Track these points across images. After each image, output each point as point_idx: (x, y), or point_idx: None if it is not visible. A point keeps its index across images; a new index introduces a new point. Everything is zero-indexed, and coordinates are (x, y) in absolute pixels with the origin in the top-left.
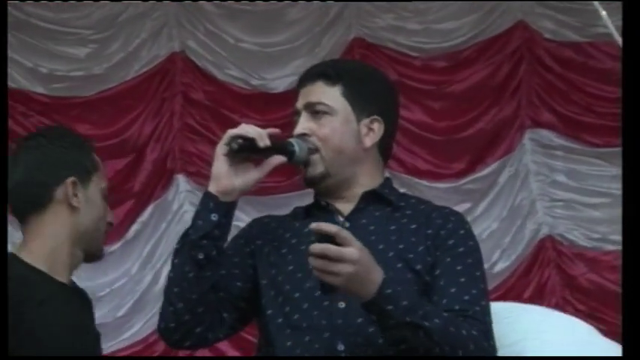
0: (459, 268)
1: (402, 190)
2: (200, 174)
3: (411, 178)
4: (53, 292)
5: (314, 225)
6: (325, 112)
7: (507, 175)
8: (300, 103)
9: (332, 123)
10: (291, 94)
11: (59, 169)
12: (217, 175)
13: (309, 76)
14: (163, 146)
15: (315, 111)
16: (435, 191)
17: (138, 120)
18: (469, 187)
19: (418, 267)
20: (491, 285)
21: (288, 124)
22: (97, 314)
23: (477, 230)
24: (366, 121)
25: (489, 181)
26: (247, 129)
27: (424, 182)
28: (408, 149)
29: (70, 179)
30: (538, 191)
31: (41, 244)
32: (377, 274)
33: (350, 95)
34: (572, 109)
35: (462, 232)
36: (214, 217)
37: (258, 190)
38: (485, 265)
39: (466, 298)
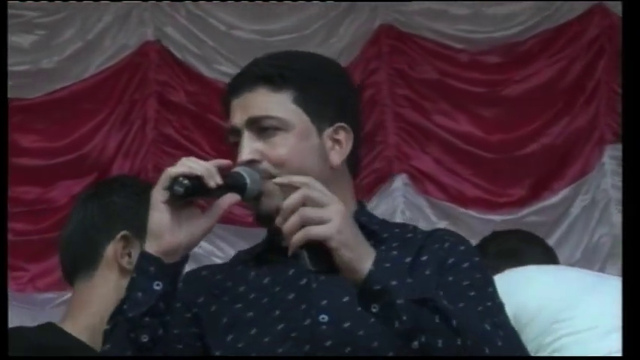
0: (465, 283)
1: (444, 224)
2: None
3: (455, 208)
4: None
5: (278, 180)
6: (276, 128)
7: (582, 204)
8: (238, 120)
9: (287, 140)
10: None
11: (113, 222)
12: (158, 230)
13: (245, 81)
14: (134, 163)
15: (262, 127)
16: (488, 225)
17: (100, 129)
18: (532, 219)
19: None
20: None
21: None
22: None
23: None
24: (329, 131)
25: (558, 212)
26: (191, 164)
27: (472, 213)
28: (451, 170)
29: (121, 234)
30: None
31: (88, 312)
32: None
33: (304, 101)
34: None
35: (462, 247)
36: (158, 285)
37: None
38: None
39: (480, 309)
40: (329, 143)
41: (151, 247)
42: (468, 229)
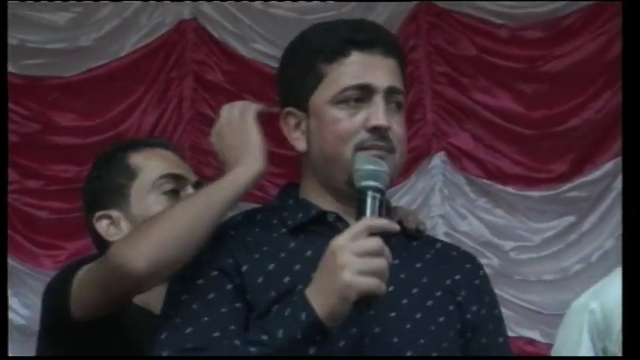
0: (501, 340)
1: (483, 201)
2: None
3: (494, 185)
4: None
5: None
6: (401, 107)
7: None
8: (378, 81)
9: (402, 121)
10: None
11: (90, 209)
12: (343, 315)
13: (378, 43)
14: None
15: (395, 101)
16: (528, 201)
17: (137, 108)
18: (573, 195)
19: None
20: None
21: None
22: None
23: (584, 251)
24: None
25: (601, 187)
26: (380, 282)
27: (511, 190)
28: (491, 147)
29: (97, 215)
30: None
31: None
32: None
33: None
34: None
35: (489, 285)
36: (312, 350)
37: None
38: None
39: None
40: None
41: (329, 320)
42: (508, 206)
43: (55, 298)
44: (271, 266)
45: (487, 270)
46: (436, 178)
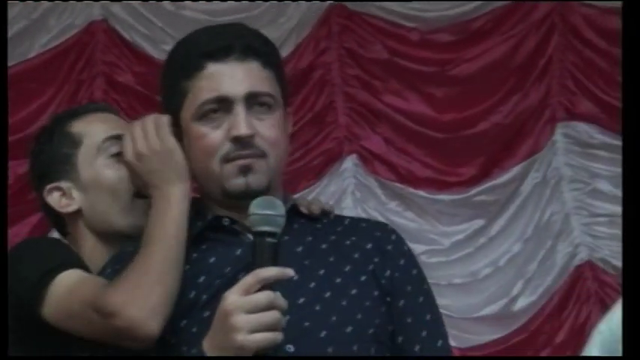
0: (421, 299)
1: (394, 204)
2: None
3: (405, 188)
4: None
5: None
6: (270, 107)
7: (533, 182)
8: (231, 90)
9: (276, 120)
10: None
11: (40, 183)
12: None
13: (233, 50)
14: None
15: (260, 103)
16: (438, 205)
17: (46, 110)
18: (482, 198)
19: (376, 292)
20: (511, 327)
21: None
22: None
23: (493, 254)
24: (285, 115)
25: (509, 190)
26: (277, 335)
27: (422, 193)
28: (402, 150)
29: (47, 188)
30: (574, 203)
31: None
32: None
33: (281, 81)
34: (619, 95)
35: (405, 248)
36: None
37: None
38: (504, 301)
39: (439, 344)
40: (289, 127)
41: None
42: (419, 209)
43: (21, 291)
44: None
45: None
46: (348, 181)
